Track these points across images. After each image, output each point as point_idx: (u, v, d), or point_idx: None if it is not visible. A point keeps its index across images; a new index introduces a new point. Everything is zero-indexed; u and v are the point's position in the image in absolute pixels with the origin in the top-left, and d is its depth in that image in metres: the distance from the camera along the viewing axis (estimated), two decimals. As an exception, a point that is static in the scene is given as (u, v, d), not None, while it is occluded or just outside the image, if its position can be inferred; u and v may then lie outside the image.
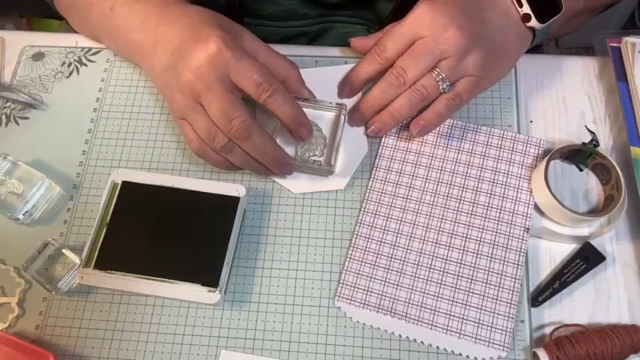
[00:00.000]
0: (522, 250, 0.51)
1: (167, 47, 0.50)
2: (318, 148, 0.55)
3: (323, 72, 0.59)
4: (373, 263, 0.51)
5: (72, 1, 0.59)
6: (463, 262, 0.51)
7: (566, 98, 0.58)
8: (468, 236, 0.52)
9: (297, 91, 0.55)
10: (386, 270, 0.51)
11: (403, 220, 0.53)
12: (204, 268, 0.49)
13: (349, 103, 0.57)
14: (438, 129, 0.56)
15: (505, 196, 0.53)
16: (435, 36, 0.50)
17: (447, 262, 0.51)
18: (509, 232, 0.52)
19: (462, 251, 0.51)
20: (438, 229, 0.52)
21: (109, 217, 0.52)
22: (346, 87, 0.57)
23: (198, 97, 0.48)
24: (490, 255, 0.51)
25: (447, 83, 0.51)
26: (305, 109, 0.52)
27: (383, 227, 0.52)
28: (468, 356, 0.48)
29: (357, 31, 0.68)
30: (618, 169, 0.51)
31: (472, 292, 0.50)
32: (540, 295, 0.49)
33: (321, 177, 0.55)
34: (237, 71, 0.47)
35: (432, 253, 0.51)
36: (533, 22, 0.53)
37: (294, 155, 0.55)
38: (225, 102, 0.47)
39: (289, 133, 0.52)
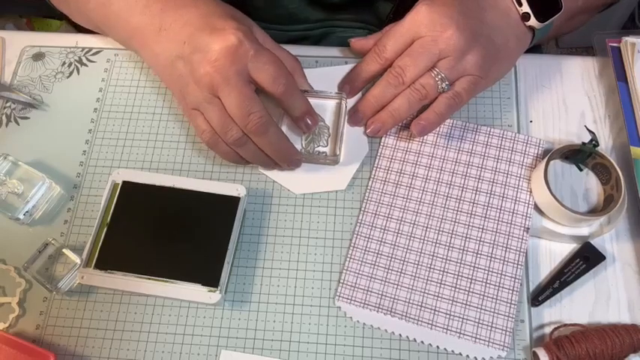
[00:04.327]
0: (522, 250, 0.51)
1: (176, 36, 0.50)
2: (322, 138, 0.56)
3: (323, 72, 0.59)
4: (373, 263, 0.51)
5: None
6: (463, 262, 0.51)
7: (566, 98, 0.58)
8: (468, 236, 0.52)
9: (302, 85, 0.55)
10: (386, 270, 0.51)
11: (403, 219, 0.53)
12: (204, 268, 0.49)
13: (349, 103, 0.57)
14: (437, 129, 0.56)
15: (505, 195, 0.53)
16: (434, 36, 0.50)
17: (447, 261, 0.51)
18: (509, 232, 0.52)
19: (461, 251, 0.51)
20: (437, 228, 0.52)
21: (109, 217, 0.52)
22: (346, 87, 0.57)
23: (215, 90, 0.48)
24: (490, 254, 0.51)
25: (447, 83, 0.51)
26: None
27: (383, 227, 0.53)
28: (467, 356, 0.48)
29: (358, 35, 0.68)
30: (618, 169, 0.51)
31: (472, 292, 0.50)
32: (540, 295, 0.49)
33: (322, 177, 0.55)
34: (255, 65, 0.48)
35: (431, 253, 0.51)
36: (533, 22, 0.53)
37: (300, 148, 0.56)
38: (243, 96, 0.47)
39: (296, 124, 0.53)
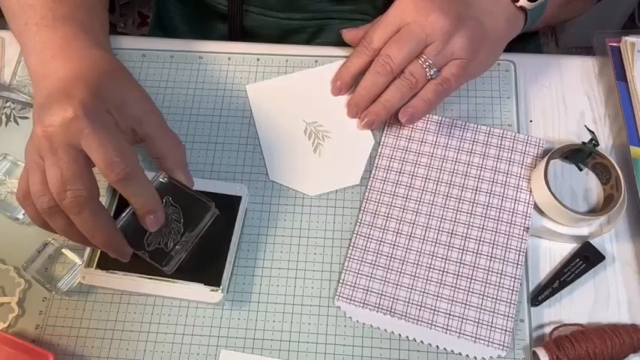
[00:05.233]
0: (522, 250, 0.51)
1: (48, 87, 0.47)
2: (169, 239, 0.48)
3: (323, 71, 0.59)
4: (373, 263, 0.51)
5: (4, 8, 0.56)
6: (463, 262, 0.51)
7: (566, 98, 0.58)
8: (468, 235, 0.52)
9: (172, 173, 0.50)
10: (386, 269, 0.51)
11: (403, 219, 0.53)
12: (206, 268, 0.49)
13: (343, 99, 0.57)
14: (437, 128, 0.56)
15: (505, 195, 0.53)
16: (418, 20, 0.50)
17: (447, 261, 0.51)
18: (509, 232, 0.52)
19: (461, 251, 0.51)
20: (437, 228, 0.52)
21: (109, 217, 0.52)
22: (337, 82, 0.57)
23: (42, 156, 0.44)
24: (490, 254, 0.51)
25: (435, 69, 0.51)
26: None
27: (383, 227, 0.52)
28: (467, 355, 0.48)
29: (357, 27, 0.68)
30: (618, 169, 0.51)
31: (472, 292, 0.50)
32: (540, 295, 0.49)
33: (334, 175, 0.54)
34: (88, 143, 0.43)
35: (431, 253, 0.51)
36: (523, 2, 0.52)
37: (146, 238, 0.48)
38: (66, 171, 0.43)
39: (138, 218, 0.47)
